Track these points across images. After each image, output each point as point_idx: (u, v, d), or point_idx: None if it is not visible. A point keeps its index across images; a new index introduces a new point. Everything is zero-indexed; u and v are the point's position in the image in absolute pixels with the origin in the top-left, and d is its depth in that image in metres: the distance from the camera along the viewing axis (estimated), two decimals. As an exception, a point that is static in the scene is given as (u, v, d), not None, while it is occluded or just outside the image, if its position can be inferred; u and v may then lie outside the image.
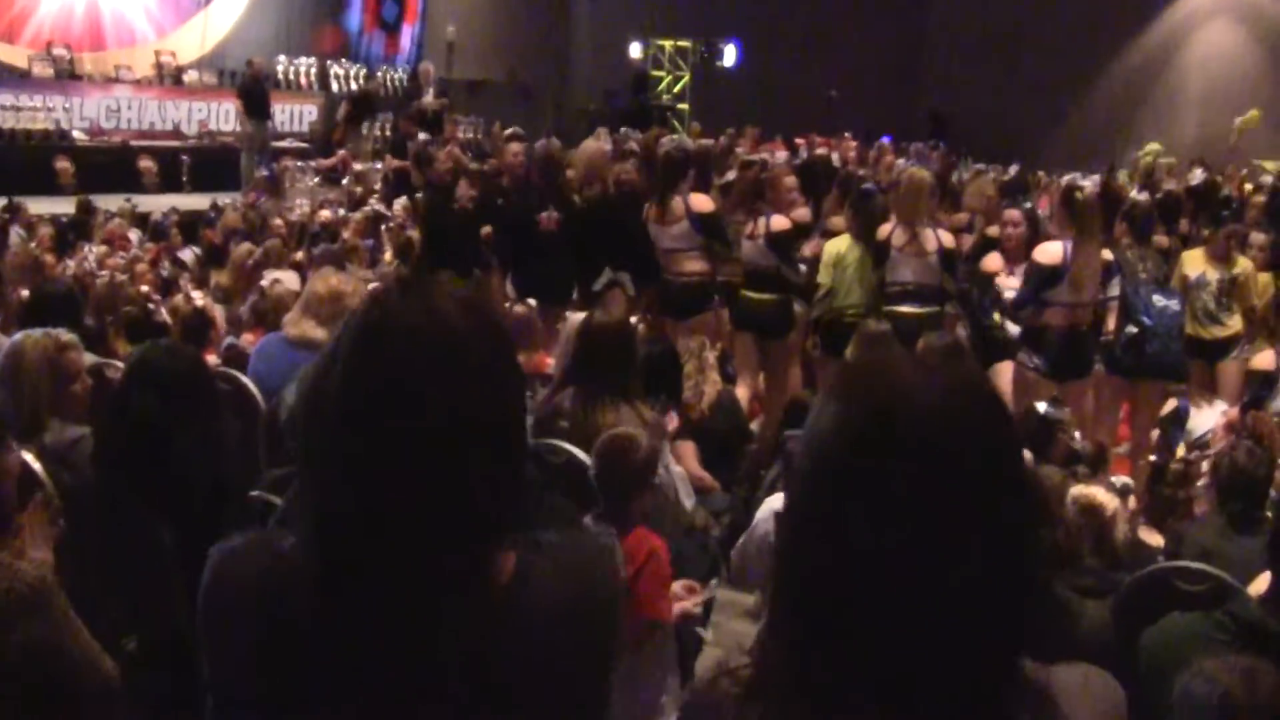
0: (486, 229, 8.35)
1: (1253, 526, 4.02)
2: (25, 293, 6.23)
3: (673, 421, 4.92)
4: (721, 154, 10.99)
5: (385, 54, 21.29)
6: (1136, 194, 8.59)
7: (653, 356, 5.22)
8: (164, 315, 6.45)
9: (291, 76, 19.10)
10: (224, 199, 13.10)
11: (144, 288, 7.50)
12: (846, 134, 15.60)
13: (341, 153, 15.48)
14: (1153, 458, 6.20)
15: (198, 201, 13.84)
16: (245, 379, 5.06)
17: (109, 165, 15.34)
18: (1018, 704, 1.13)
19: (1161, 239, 7.95)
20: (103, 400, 3.64)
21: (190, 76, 18.08)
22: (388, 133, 16.85)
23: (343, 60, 20.23)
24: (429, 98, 15.53)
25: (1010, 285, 6.68)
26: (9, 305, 6.00)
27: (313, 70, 19.42)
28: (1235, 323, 7.45)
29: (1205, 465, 4.76)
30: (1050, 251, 6.37)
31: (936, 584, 1.08)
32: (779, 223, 7.22)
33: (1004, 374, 6.60)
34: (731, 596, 3.69)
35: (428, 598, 1.27)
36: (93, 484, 3.24)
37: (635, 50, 22.41)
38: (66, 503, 3.04)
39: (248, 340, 6.04)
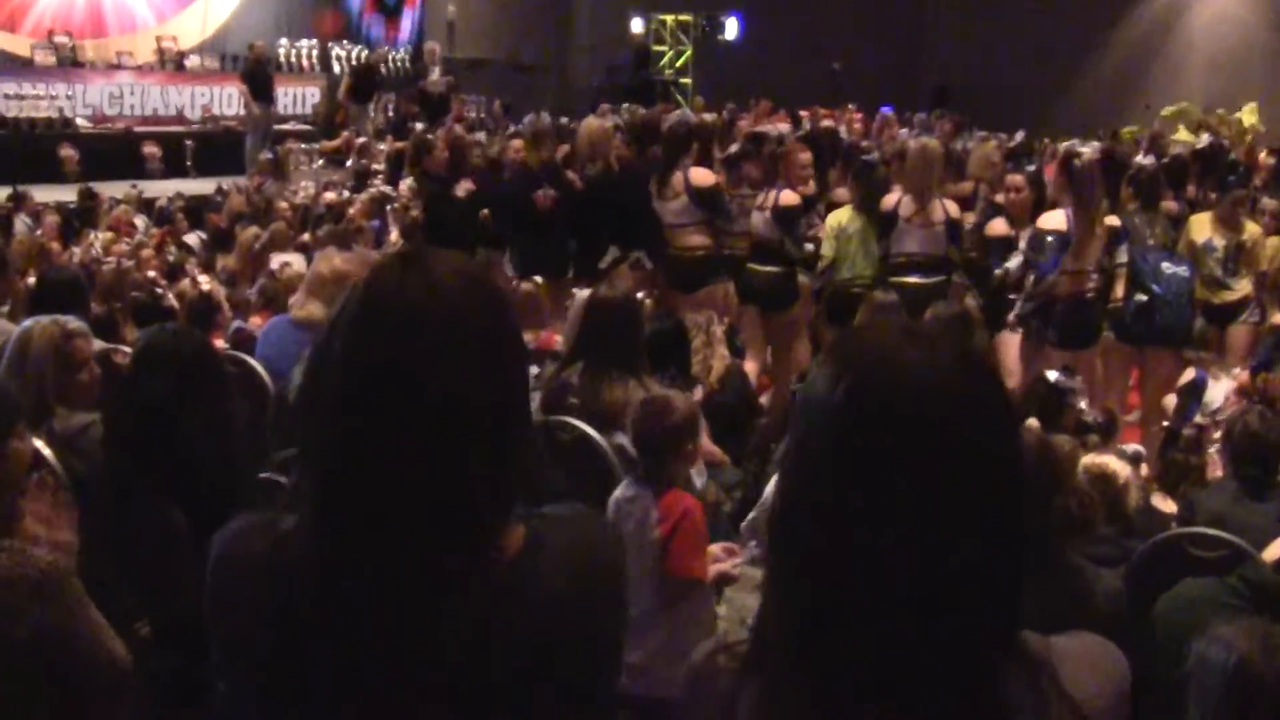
0: (484, 211, 8.35)
1: (1266, 492, 4.01)
2: (32, 280, 6.24)
3: (696, 395, 4.93)
4: (724, 128, 10.92)
5: (386, 36, 21.21)
6: (1142, 158, 8.50)
7: (660, 331, 5.22)
8: (171, 300, 6.45)
9: (293, 59, 19.03)
10: (228, 183, 13.09)
11: (150, 273, 7.52)
12: (851, 105, 15.53)
13: (346, 134, 15.43)
14: (1165, 424, 6.17)
15: (202, 186, 13.85)
16: (253, 361, 5.10)
17: (113, 152, 15.31)
18: (1016, 677, 1.12)
19: (1170, 204, 7.90)
20: (111, 386, 3.64)
21: (192, 61, 18.02)
22: (390, 113, 16.81)
23: (344, 42, 20.16)
24: (434, 77, 15.45)
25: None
26: (16, 293, 6.00)
27: (314, 52, 19.36)
28: (1244, 286, 7.41)
29: (1217, 432, 4.74)
30: (1054, 219, 6.36)
31: (932, 559, 1.07)
32: (788, 197, 7.19)
33: (1010, 344, 6.58)
34: (743, 570, 3.71)
35: (430, 572, 1.26)
36: (103, 469, 3.24)
37: (637, 25, 22.34)
38: (77, 489, 3.05)
39: (255, 323, 6.05)
